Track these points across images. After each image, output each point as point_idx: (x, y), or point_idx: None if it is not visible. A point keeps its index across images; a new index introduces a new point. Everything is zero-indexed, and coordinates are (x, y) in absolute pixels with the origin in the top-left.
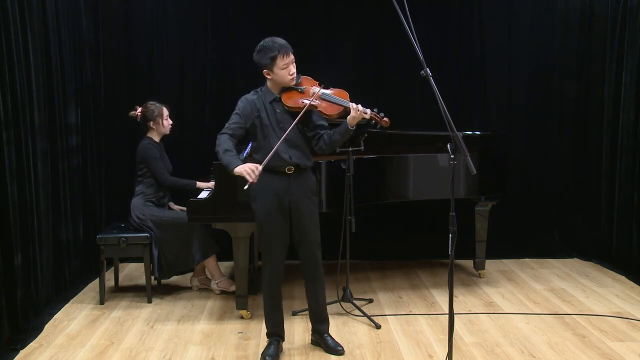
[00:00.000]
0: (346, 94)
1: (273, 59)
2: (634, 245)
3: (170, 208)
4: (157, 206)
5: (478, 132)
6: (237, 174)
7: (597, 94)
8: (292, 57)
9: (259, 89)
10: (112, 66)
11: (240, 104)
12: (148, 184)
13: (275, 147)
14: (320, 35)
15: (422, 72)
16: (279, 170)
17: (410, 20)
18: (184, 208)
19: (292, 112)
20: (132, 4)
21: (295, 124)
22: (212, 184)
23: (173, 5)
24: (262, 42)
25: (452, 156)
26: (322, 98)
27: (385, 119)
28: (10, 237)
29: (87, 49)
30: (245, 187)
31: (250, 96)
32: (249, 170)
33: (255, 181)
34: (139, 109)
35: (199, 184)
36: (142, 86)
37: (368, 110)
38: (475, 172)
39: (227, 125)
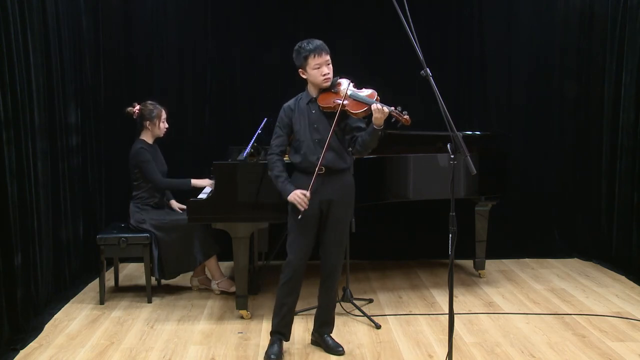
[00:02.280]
0: (375, 94)
1: (305, 59)
2: (634, 245)
3: (170, 207)
4: (156, 208)
5: (478, 132)
6: (290, 201)
7: (597, 94)
8: (325, 58)
9: (301, 93)
10: (112, 66)
11: (280, 114)
12: (144, 188)
13: (324, 152)
14: (320, 36)
15: (422, 72)
16: (309, 171)
17: (410, 20)
18: (185, 207)
19: (326, 113)
20: (132, 4)
21: (335, 126)
22: (206, 181)
23: (173, 5)
24: (299, 42)
25: (452, 156)
26: (350, 97)
27: (406, 116)
28: (10, 237)
29: (87, 49)
30: (300, 217)
31: (289, 103)
32: (299, 199)
33: (307, 207)
34: (137, 107)
35: (194, 182)
36: (142, 86)
37: (388, 108)
38: (475, 172)
39: (272, 142)
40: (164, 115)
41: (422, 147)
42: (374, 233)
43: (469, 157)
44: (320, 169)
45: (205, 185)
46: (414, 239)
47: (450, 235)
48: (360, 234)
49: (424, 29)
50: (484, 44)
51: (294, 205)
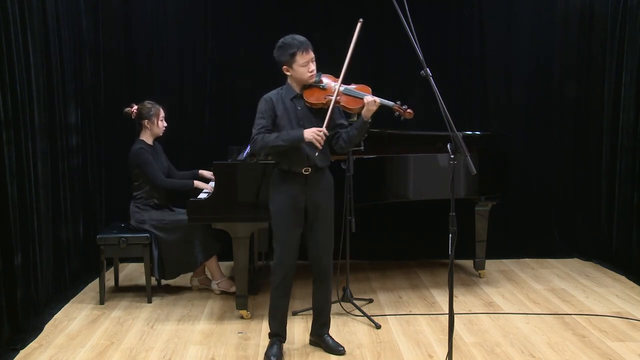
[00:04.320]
0: (368, 89)
1: (292, 56)
2: (634, 245)
3: (202, 177)
4: (157, 209)
5: (478, 132)
6: (308, 141)
7: (597, 94)
8: (312, 54)
9: (281, 87)
10: (112, 66)
11: (261, 105)
12: (145, 188)
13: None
14: (320, 35)
15: (422, 72)
16: (295, 171)
17: (410, 20)
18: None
19: (314, 109)
20: (132, 4)
21: (329, 121)
22: (209, 185)
23: (173, 5)
24: (282, 39)
25: (452, 156)
26: (344, 93)
27: (408, 110)
28: (10, 237)
29: (87, 49)
30: (317, 153)
31: (270, 95)
32: (317, 136)
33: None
34: (135, 107)
35: (196, 184)
36: (142, 86)
37: (388, 103)
38: (475, 172)
39: (256, 130)
40: (162, 113)
41: (422, 147)
42: (374, 233)
43: (469, 157)
44: (306, 169)
45: (206, 188)
46: (414, 239)
47: (450, 235)
48: (360, 234)
49: (424, 29)
50: (484, 44)
51: (278, 201)
